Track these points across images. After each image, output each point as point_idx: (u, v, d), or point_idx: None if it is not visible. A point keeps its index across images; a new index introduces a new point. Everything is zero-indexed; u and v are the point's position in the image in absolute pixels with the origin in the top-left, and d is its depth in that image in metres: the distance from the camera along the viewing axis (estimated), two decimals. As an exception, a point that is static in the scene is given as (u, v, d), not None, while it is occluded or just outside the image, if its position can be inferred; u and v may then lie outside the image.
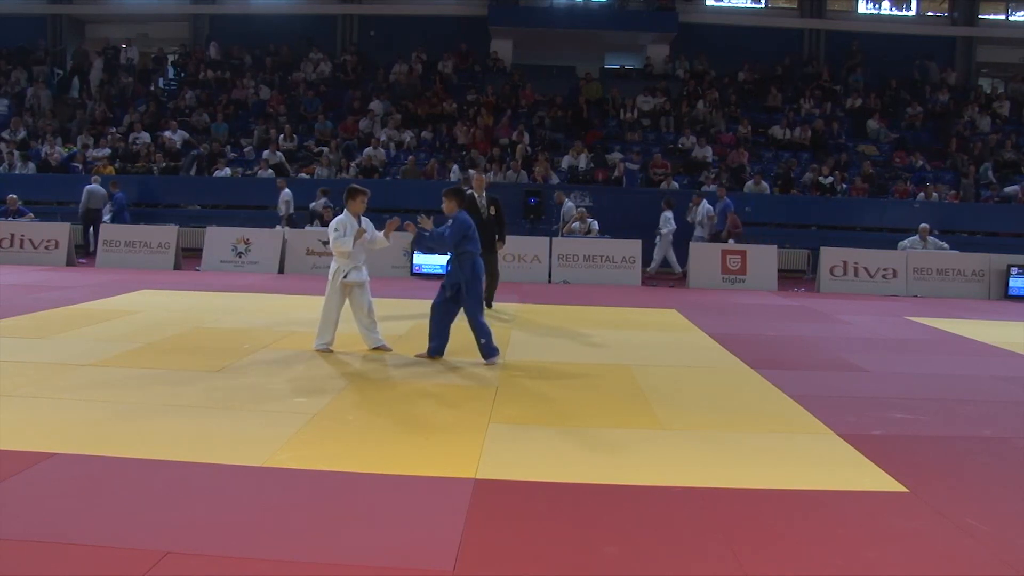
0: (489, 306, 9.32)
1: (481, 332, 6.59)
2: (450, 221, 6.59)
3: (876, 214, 16.92)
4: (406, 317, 8.64)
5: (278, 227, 14.73)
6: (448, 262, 6.72)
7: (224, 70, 21.76)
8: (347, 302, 6.88)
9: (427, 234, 6.64)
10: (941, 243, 14.33)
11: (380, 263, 13.36)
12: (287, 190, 15.48)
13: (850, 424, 5.13)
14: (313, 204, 15.18)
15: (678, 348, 7.84)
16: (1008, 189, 17.42)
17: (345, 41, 23.35)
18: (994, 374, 6.98)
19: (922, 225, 14.41)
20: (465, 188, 8.37)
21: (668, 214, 14.91)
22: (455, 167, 16.99)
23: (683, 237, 14.97)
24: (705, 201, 15.12)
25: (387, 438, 4.59)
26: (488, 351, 6.59)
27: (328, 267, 6.94)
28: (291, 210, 15.35)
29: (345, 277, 6.71)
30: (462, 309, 6.68)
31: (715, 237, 14.76)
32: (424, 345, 6.80)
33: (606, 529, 3.42)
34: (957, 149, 19.12)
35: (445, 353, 6.77)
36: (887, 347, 8.24)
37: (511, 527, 3.43)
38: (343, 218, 6.70)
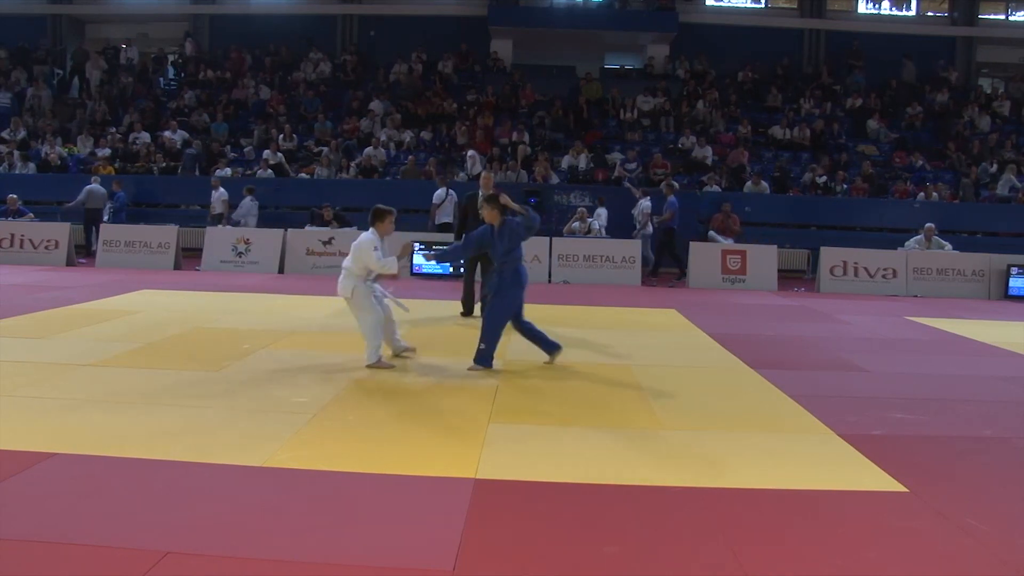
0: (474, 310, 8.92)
1: (484, 337, 6.33)
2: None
3: (876, 214, 16.91)
4: (407, 318, 8.62)
5: (219, 227, 14.77)
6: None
7: (223, 70, 21.76)
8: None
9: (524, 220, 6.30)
10: (943, 243, 14.31)
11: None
12: (222, 189, 15.51)
13: (850, 424, 5.13)
14: (237, 213, 15.25)
15: (678, 348, 7.84)
16: (1000, 185, 17.47)
17: (345, 41, 23.35)
18: (994, 374, 6.97)
19: (927, 225, 14.36)
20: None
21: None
22: (468, 164, 16.97)
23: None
24: (647, 198, 15.10)
25: (387, 438, 4.59)
26: (480, 357, 6.31)
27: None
28: (226, 210, 15.41)
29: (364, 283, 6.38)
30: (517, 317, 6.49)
31: (666, 233, 14.51)
32: (427, 347, 6.82)
33: (606, 529, 3.42)
34: (957, 149, 19.12)
35: (445, 354, 6.78)
36: (887, 347, 8.24)
37: (511, 527, 3.43)
38: (374, 237, 6.29)
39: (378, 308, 6.33)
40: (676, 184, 16.90)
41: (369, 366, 6.24)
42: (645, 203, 14.91)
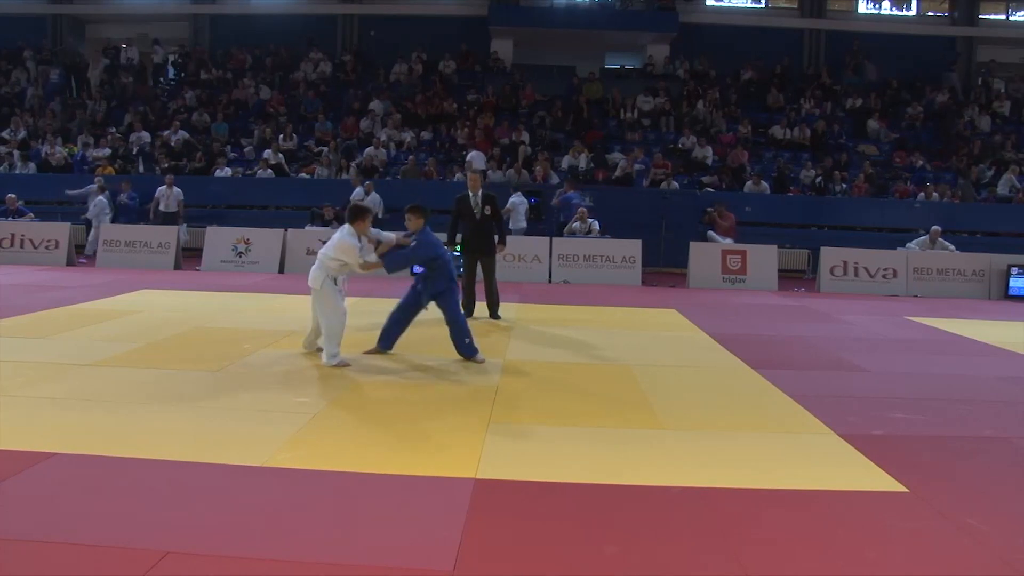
0: (496, 316, 8.94)
1: (464, 332, 6.67)
2: (414, 241, 6.56)
3: (876, 214, 16.91)
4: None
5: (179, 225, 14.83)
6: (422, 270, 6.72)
7: (224, 70, 21.76)
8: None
9: (399, 253, 6.60)
10: (948, 245, 14.29)
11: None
12: (177, 188, 15.63)
13: (850, 424, 5.13)
14: (90, 212, 15.27)
15: (678, 348, 7.84)
16: (1000, 184, 17.48)
17: (345, 41, 23.35)
18: (994, 374, 6.97)
19: (934, 228, 14.34)
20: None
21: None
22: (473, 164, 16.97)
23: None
24: (519, 194, 15.04)
25: (387, 438, 4.59)
26: (471, 350, 6.64)
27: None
28: (181, 209, 15.59)
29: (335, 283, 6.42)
30: (442, 314, 6.70)
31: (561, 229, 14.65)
32: (426, 347, 6.82)
33: (606, 529, 3.42)
34: (957, 149, 19.13)
35: (445, 354, 6.78)
36: (887, 347, 8.24)
37: (511, 527, 3.43)
38: (355, 239, 6.34)
39: (344, 308, 6.38)
40: (677, 183, 16.87)
41: (330, 365, 6.24)
42: (514, 199, 14.93)
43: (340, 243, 6.30)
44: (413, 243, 6.57)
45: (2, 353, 6.32)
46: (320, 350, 6.53)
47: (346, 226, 6.39)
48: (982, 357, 7.87)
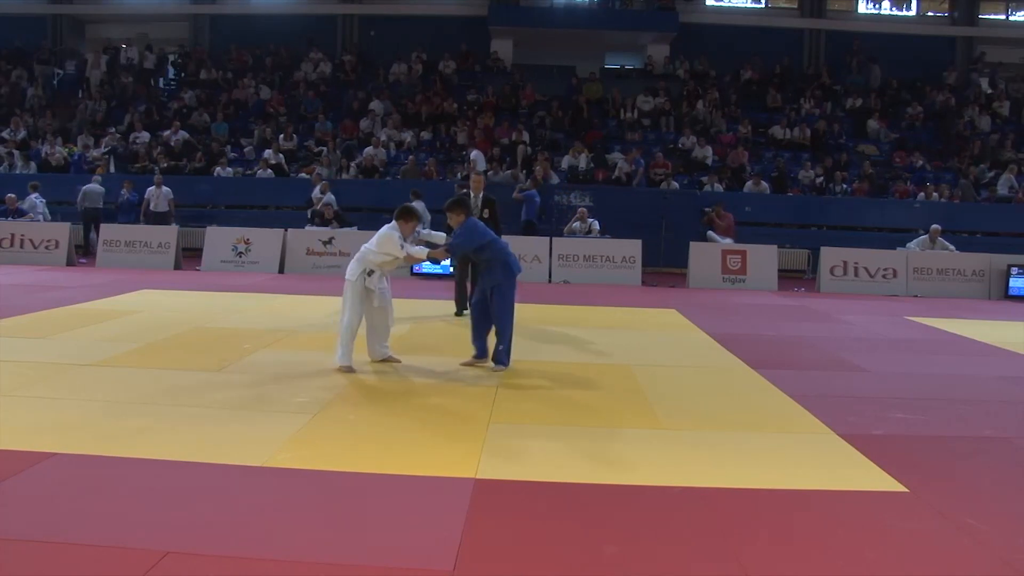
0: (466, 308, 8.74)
1: (503, 337, 6.34)
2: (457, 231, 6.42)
3: (876, 214, 16.91)
4: (407, 317, 8.63)
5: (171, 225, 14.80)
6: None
7: (224, 70, 21.76)
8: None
9: (450, 251, 6.49)
10: (948, 244, 14.28)
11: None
12: (166, 188, 15.57)
13: (850, 424, 5.13)
14: (26, 202, 15.16)
15: (678, 348, 7.84)
16: (1000, 184, 17.48)
17: (345, 41, 23.36)
18: (994, 374, 6.97)
19: (933, 226, 14.33)
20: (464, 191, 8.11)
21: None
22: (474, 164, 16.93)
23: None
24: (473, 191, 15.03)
25: (387, 438, 4.59)
26: (501, 357, 6.34)
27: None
28: (172, 208, 15.55)
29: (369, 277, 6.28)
30: (491, 307, 6.44)
31: (529, 227, 14.75)
32: (426, 347, 6.81)
33: (606, 529, 3.42)
34: (958, 150, 19.13)
35: (446, 354, 6.77)
36: (887, 347, 8.24)
37: (511, 527, 3.43)
38: (397, 232, 6.26)
39: (359, 313, 6.24)
40: (676, 184, 16.84)
41: (337, 366, 6.14)
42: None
43: (382, 236, 6.24)
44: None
45: (2, 353, 6.32)
46: (386, 359, 6.42)
47: (391, 223, 6.33)
48: (982, 357, 7.87)
